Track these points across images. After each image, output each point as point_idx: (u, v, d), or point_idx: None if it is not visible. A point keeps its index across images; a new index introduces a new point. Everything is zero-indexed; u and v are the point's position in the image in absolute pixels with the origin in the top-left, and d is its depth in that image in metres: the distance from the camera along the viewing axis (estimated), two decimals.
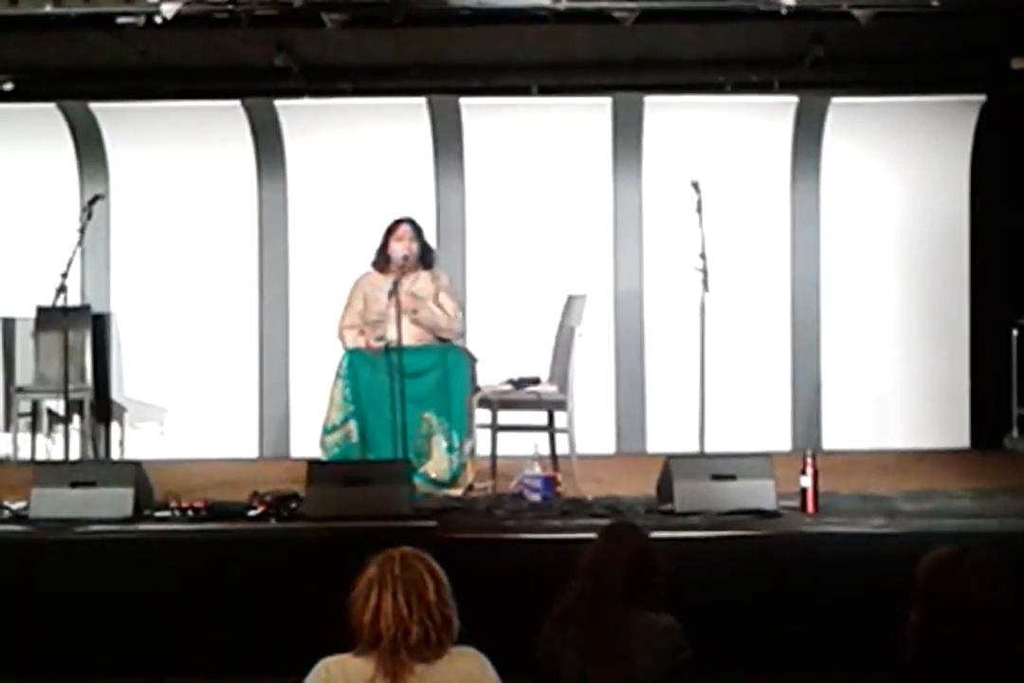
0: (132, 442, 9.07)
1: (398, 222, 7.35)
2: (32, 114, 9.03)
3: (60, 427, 8.64)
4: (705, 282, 6.71)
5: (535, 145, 9.09)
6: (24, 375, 8.87)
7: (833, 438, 8.99)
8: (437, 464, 7.04)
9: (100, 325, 8.98)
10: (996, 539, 5.64)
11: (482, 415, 7.24)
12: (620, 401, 9.05)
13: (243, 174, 9.16)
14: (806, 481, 6.14)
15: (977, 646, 3.10)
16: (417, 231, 7.34)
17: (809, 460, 6.15)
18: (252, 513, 6.12)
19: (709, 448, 6.69)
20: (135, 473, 6.21)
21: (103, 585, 5.57)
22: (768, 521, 5.94)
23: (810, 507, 6.13)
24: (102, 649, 5.52)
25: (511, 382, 7.32)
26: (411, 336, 7.05)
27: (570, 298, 7.54)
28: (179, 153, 9.10)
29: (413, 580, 3.34)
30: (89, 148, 9.15)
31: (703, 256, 6.74)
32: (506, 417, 7.25)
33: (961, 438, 9.00)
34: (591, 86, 8.89)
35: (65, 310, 6.93)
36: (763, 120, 9.05)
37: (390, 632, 3.30)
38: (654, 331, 9.02)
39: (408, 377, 6.88)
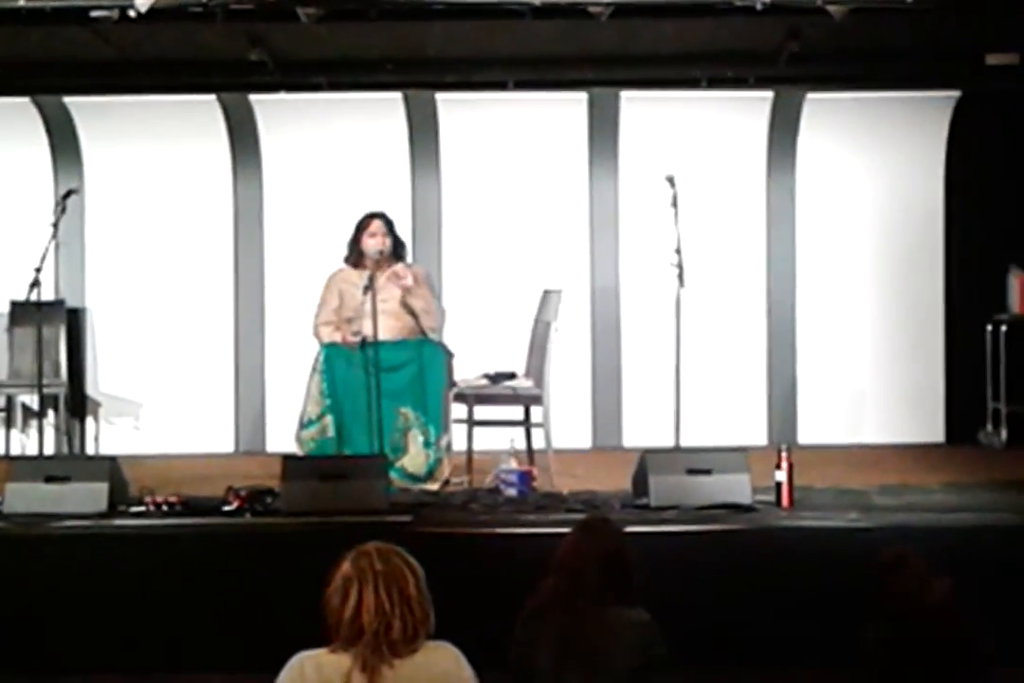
0: (107, 437, 9.04)
1: (369, 217, 7.35)
2: (6, 108, 8.98)
3: (34, 422, 8.60)
4: (681, 277, 6.73)
5: (511, 140, 9.08)
6: None
7: (808, 433, 9.00)
8: (413, 459, 7.04)
9: (74, 320, 8.94)
10: (970, 533, 5.68)
11: (458, 410, 7.24)
12: (596, 396, 9.05)
13: (218, 169, 9.13)
14: (781, 475, 6.16)
15: (939, 650, 3.12)
16: (389, 226, 7.35)
17: (784, 454, 6.17)
18: (227, 508, 6.11)
19: (685, 442, 6.69)
20: (110, 468, 6.20)
21: (78, 580, 5.56)
22: (743, 515, 5.96)
23: (785, 501, 6.15)
24: (77, 644, 5.52)
25: (487, 377, 7.33)
26: (387, 331, 7.05)
27: (546, 293, 7.55)
28: (154, 147, 9.06)
29: (393, 574, 3.34)
30: (63, 142, 9.11)
31: (679, 251, 6.75)
32: (482, 412, 7.25)
33: (936, 433, 9.03)
34: (567, 81, 8.88)
35: (39, 305, 6.92)
36: (739, 115, 9.05)
37: (372, 627, 3.29)
38: (630, 326, 9.03)
39: (384, 372, 6.88)
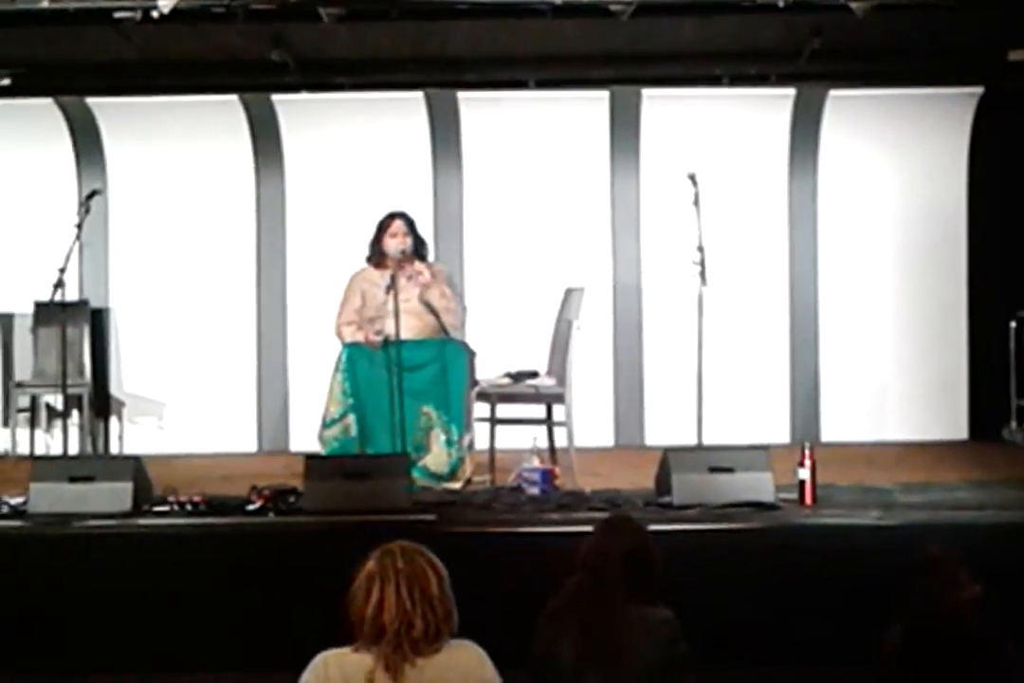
0: (131, 437, 9.07)
1: (391, 217, 7.34)
2: (30, 109, 9.02)
3: (59, 422, 8.63)
4: (703, 275, 6.72)
5: (532, 139, 9.08)
6: (23, 370, 8.88)
7: (831, 430, 8.99)
8: (436, 458, 7.04)
9: (98, 320, 8.98)
10: (994, 531, 5.66)
11: (480, 408, 7.25)
12: (618, 394, 9.05)
13: (241, 169, 9.16)
14: (804, 473, 6.14)
15: (963, 655, 3.12)
16: (410, 225, 7.34)
17: (807, 452, 6.15)
18: (250, 507, 6.11)
19: (707, 441, 6.70)
20: (134, 467, 6.21)
21: (101, 580, 5.57)
22: (766, 513, 5.95)
23: (808, 499, 6.14)
24: (101, 644, 5.52)
25: (509, 376, 7.33)
26: (409, 330, 7.05)
27: (568, 291, 7.55)
28: (177, 148, 9.09)
29: (416, 573, 3.35)
30: (87, 143, 9.15)
31: (701, 249, 6.75)
32: (504, 410, 7.26)
33: (959, 430, 9.01)
34: (588, 80, 8.88)
35: (63, 305, 6.94)
36: (760, 113, 9.05)
37: (394, 626, 3.30)
38: (652, 324, 9.03)
39: (406, 371, 6.89)
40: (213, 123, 9.07)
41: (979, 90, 8.89)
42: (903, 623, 3.24)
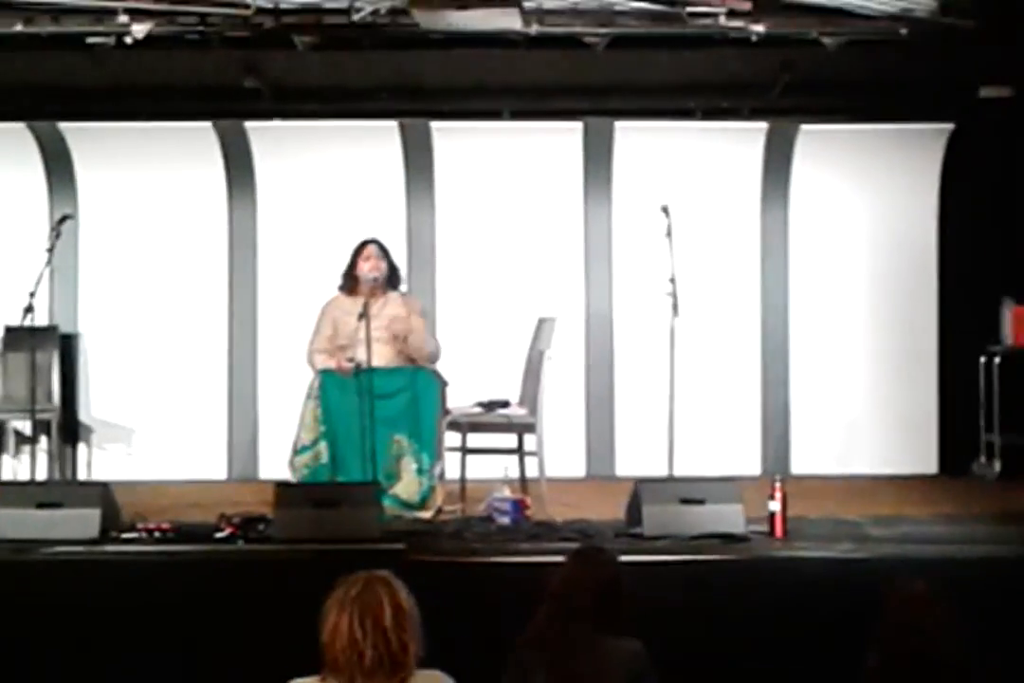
0: (99, 463, 9.01)
1: (364, 243, 7.38)
2: (1, 134, 8.99)
3: (27, 448, 8.57)
4: (675, 306, 6.73)
5: (506, 169, 9.09)
6: None
7: (802, 463, 8.99)
8: (407, 486, 7.03)
9: (68, 345, 8.93)
10: (963, 564, 5.66)
11: (452, 438, 7.23)
12: (590, 424, 9.04)
13: (213, 195, 9.14)
14: (775, 505, 6.15)
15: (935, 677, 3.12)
16: (384, 251, 7.37)
17: (778, 485, 6.16)
18: (219, 535, 6.09)
19: (678, 472, 6.69)
20: (102, 494, 6.18)
21: (68, 607, 5.53)
22: (736, 545, 5.95)
23: (779, 531, 6.14)
24: (67, 672, 5.47)
25: (481, 405, 7.32)
26: (381, 358, 7.04)
27: (540, 321, 7.56)
28: (149, 174, 9.07)
29: (370, 604, 3.32)
30: (58, 168, 9.12)
31: (673, 280, 6.76)
32: (476, 440, 7.25)
33: (929, 464, 9.01)
34: (562, 111, 8.90)
35: (32, 330, 6.91)
36: (733, 146, 9.08)
37: (344, 655, 3.29)
38: (624, 354, 9.03)
39: (378, 398, 6.86)
40: (185, 149, 9.05)
41: (950, 126, 8.94)
42: (877, 650, 3.25)
